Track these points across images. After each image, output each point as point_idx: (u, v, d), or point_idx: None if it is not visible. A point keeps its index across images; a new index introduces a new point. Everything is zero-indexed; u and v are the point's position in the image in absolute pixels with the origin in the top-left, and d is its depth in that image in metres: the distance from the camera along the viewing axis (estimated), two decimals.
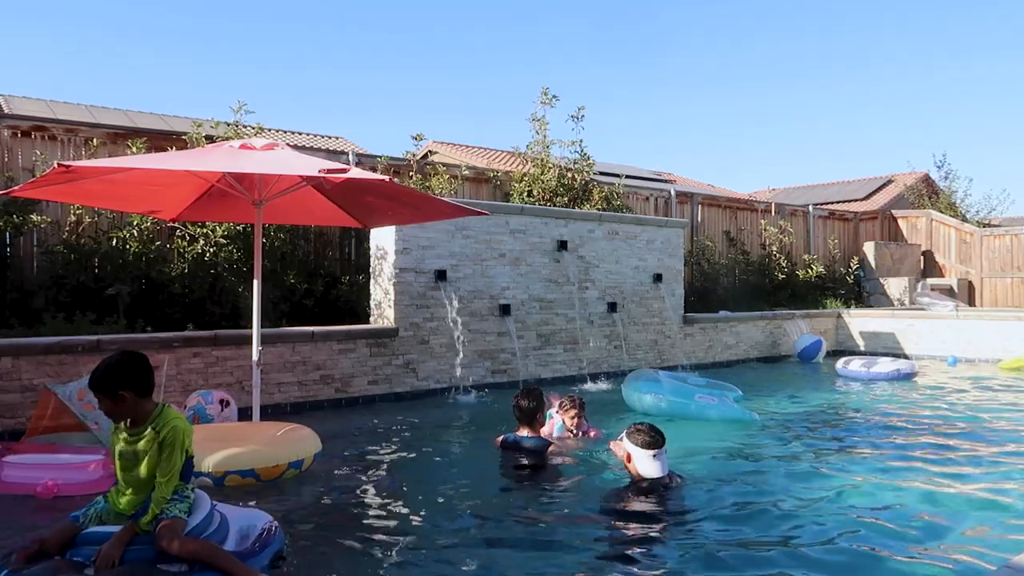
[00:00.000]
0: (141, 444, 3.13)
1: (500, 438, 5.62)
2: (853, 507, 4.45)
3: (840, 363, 10.93)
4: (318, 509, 4.45)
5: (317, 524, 4.17)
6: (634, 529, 4.08)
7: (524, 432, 5.52)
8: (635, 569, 3.55)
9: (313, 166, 4.68)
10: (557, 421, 6.05)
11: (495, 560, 3.65)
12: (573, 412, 5.96)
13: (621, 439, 4.52)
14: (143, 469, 3.13)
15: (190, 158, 5.23)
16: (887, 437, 6.51)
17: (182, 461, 3.17)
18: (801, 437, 6.52)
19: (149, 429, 3.14)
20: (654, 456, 4.37)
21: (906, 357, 12.72)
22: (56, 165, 4.10)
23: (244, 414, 6.44)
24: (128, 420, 3.18)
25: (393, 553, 3.74)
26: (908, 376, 10.38)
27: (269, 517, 3.53)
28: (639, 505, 4.27)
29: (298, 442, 5.04)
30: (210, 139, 8.72)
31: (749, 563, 3.57)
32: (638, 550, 3.75)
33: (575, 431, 5.97)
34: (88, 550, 3.00)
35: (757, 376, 10.74)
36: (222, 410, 6.12)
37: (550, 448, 5.43)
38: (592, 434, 6.01)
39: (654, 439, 4.40)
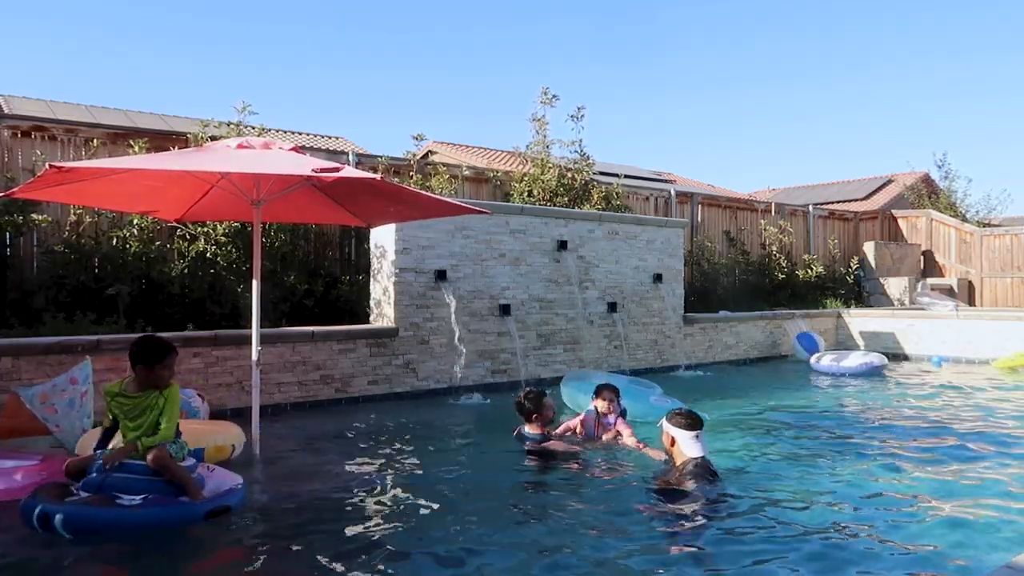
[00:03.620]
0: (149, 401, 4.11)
1: (517, 429, 5.95)
2: (843, 506, 4.45)
3: (813, 359, 11.25)
4: (317, 508, 4.45)
5: (315, 523, 4.18)
6: (687, 509, 4.21)
7: (526, 428, 5.82)
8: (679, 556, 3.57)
9: (307, 165, 4.69)
10: (594, 404, 6.15)
11: (492, 559, 3.65)
12: (606, 393, 6.07)
13: (660, 425, 4.74)
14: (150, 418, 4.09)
15: (187, 158, 5.24)
16: (861, 435, 6.57)
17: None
18: (756, 434, 6.55)
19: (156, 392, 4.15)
20: (696, 437, 4.60)
21: (906, 357, 12.76)
22: (48, 167, 4.09)
23: (244, 414, 6.44)
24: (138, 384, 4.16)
25: (391, 552, 3.74)
26: (878, 369, 10.68)
27: (237, 482, 4.31)
28: (690, 485, 4.43)
29: (218, 434, 5.39)
30: (215, 139, 8.72)
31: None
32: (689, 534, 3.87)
33: (606, 416, 6.01)
34: (93, 476, 3.91)
35: (732, 376, 10.77)
36: (203, 403, 6.20)
37: (547, 443, 5.69)
38: (624, 431, 5.93)
39: (695, 421, 4.64)
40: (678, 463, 4.59)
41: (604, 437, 5.93)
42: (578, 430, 6.07)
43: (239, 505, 4.20)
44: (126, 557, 3.71)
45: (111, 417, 4.19)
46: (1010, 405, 8.23)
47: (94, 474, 3.93)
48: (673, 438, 4.61)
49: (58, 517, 3.68)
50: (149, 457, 3.91)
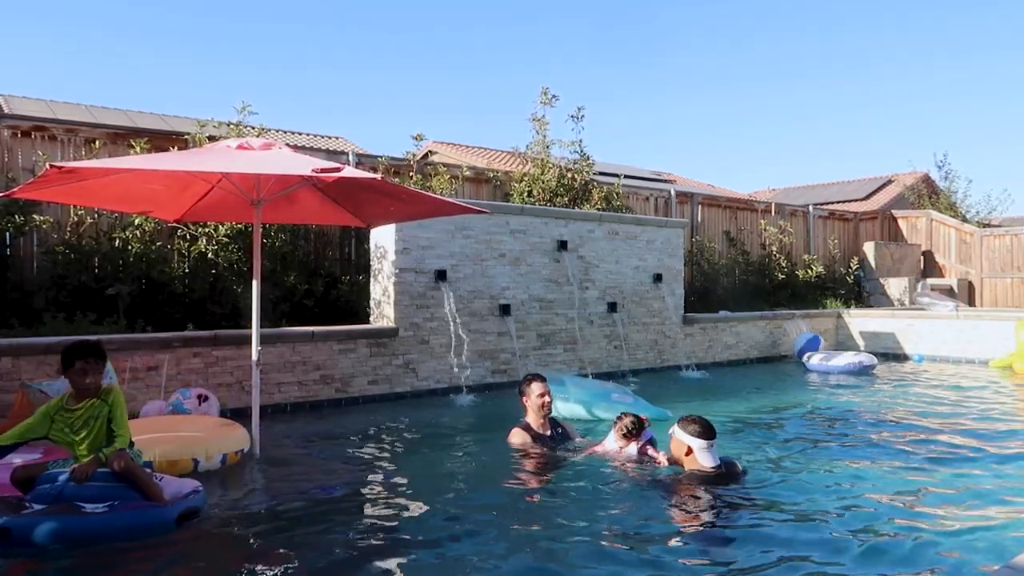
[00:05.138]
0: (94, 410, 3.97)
1: None
2: (841, 506, 4.45)
3: (804, 357, 11.50)
4: (316, 508, 4.45)
5: (315, 523, 4.18)
6: (690, 521, 4.15)
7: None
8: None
9: (307, 165, 4.69)
10: (612, 434, 5.42)
11: (488, 558, 3.65)
12: (619, 427, 5.30)
13: (671, 434, 4.53)
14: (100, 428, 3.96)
15: (186, 158, 5.24)
16: (859, 434, 6.60)
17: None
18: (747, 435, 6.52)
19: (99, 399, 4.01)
20: (710, 447, 4.44)
21: (906, 357, 12.76)
22: (48, 167, 4.09)
23: (244, 414, 6.44)
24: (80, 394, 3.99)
25: (389, 552, 3.74)
26: (868, 368, 10.91)
27: (196, 484, 4.20)
28: (702, 495, 4.32)
29: (179, 445, 5.08)
30: (213, 139, 8.73)
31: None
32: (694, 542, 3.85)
33: (625, 450, 5.24)
34: (46, 486, 3.77)
35: (732, 376, 10.80)
36: (200, 404, 6.18)
37: (512, 430, 5.64)
38: (657, 459, 5.13)
39: (709, 429, 4.45)
40: (687, 470, 4.45)
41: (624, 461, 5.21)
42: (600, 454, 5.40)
43: (204, 508, 4.14)
44: (118, 565, 3.65)
45: (35, 435, 3.96)
46: (1001, 403, 8.30)
47: (47, 485, 3.76)
48: (689, 447, 4.41)
49: (37, 529, 3.56)
50: (115, 463, 3.81)
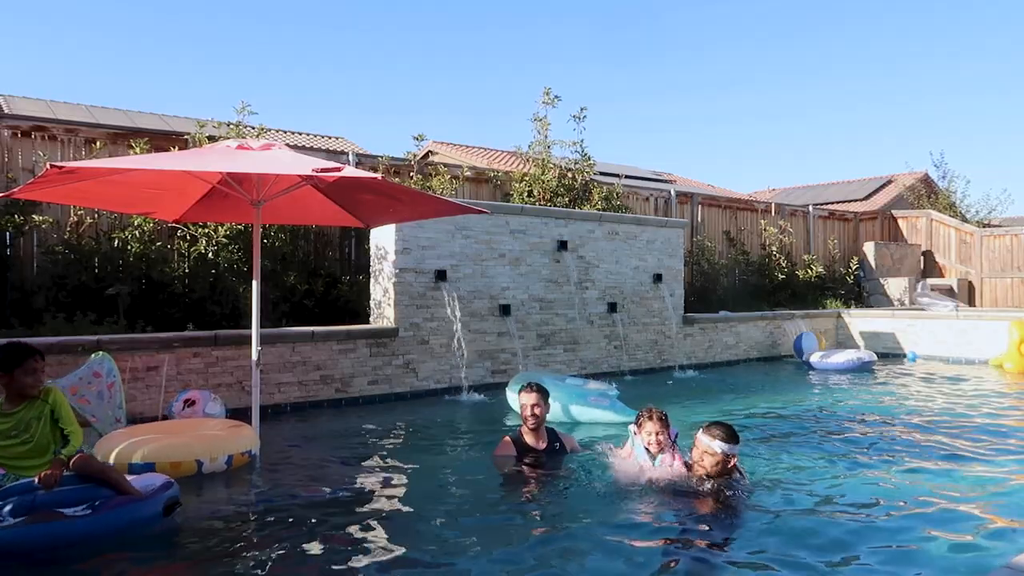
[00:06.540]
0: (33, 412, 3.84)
1: None
2: (842, 505, 4.44)
3: (804, 355, 11.74)
4: (316, 509, 4.44)
5: (314, 524, 4.17)
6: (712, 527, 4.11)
7: None
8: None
9: (307, 165, 4.68)
10: (638, 440, 4.82)
11: (484, 561, 3.65)
12: (649, 428, 4.73)
13: (696, 439, 4.45)
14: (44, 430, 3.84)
15: (186, 158, 5.24)
16: (858, 434, 6.59)
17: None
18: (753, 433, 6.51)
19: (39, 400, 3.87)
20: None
21: (905, 357, 12.76)
22: (48, 167, 4.09)
23: (244, 414, 6.44)
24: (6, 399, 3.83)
25: (388, 552, 3.74)
26: (868, 365, 11.16)
27: (165, 478, 4.15)
28: (727, 503, 4.31)
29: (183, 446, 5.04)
30: (213, 139, 8.73)
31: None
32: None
33: (655, 451, 4.69)
34: (15, 498, 3.58)
35: (732, 376, 10.80)
36: (184, 408, 6.20)
37: (502, 439, 5.43)
38: (676, 461, 4.65)
39: (733, 435, 4.41)
40: (712, 476, 4.38)
41: (655, 476, 4.57)
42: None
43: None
44: (112, 566, 3.59)
45: None
46: (997, 401, 8.34)
47: (15, 497, 3.58)
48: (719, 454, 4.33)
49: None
50: (72, 463, 3.70)
